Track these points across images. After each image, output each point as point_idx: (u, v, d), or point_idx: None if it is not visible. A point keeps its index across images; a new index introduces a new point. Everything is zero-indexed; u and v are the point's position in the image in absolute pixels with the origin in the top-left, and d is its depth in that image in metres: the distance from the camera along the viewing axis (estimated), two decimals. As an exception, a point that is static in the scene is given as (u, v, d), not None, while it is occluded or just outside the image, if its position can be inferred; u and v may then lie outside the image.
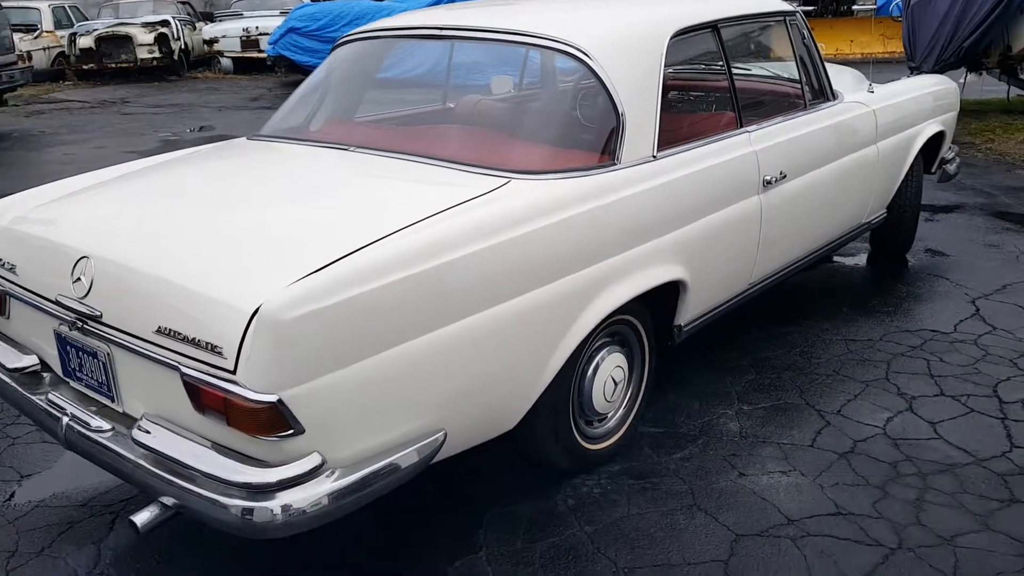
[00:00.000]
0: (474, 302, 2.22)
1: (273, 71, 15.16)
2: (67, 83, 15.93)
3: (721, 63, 3.27)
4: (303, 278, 1.94)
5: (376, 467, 2.06)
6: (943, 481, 2.72)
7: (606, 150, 2.72)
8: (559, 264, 2.43)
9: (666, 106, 3.04)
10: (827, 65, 4.95)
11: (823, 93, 3.78)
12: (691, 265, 2.91)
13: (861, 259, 4.92)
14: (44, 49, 16.16)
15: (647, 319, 2.91)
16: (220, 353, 1.93)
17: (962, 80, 9.08)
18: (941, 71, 8.52)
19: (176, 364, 2.02)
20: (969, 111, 9.23)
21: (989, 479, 2.72)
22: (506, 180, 2.50)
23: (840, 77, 4.41)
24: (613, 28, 2.92)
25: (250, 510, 1.94)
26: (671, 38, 2.96)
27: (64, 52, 16.23)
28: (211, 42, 16.69)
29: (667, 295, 2.93)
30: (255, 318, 1.88)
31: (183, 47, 16.46)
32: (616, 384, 2.82)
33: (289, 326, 1.88)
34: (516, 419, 2.46)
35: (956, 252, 4.91)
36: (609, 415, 2.89)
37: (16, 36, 15.34)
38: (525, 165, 2.61)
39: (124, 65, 15.75)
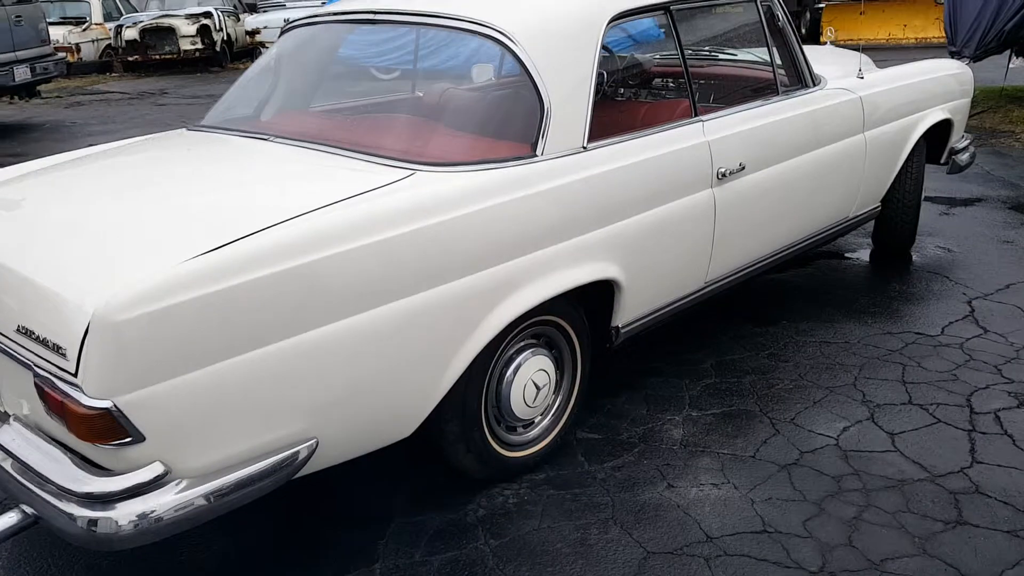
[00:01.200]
0: (352, 302, 2.10)
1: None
2: (113, 75, 16.24)
3: (674, 48, 3.08)
4: (148, 276, 1.84)
5: (232, 478, 1.96)
6: (888, 498, 2.52)
7: (527, 141, 2.57)
8: (460, 262, 2.29)
9: (607, 94, 2.88)
10: (833, 50, 4.76)
11: (800, 79, 3.56)
12: (627, 263, 2.75)
13: (863, 255, 4.66)
14: (93, 41, 16.51)
15: (579, 320, 2.76)
16: (64, 355, 1.85)
17: (1011, 65, 8.64)
18: (983, 56, 8.12)
19: (31, 364, 1.95)
20: (1015, 97, 8.79)
21: (939, 497, 2.51)
22: (411, 172, 2.38)
23: (840, 61, 4.18)
24: (542, 11, 2.75)
25: (95, 521, 1.86)
26: (610, 22, 2.80)
27: (111, 44, 16.53)
28: (253, 33, 16.86)
29: (603, 295, 2.77)
30: (92, 319, 1.79)
31: (225, 38, 16.62)
32: (539, 389, 2.67)
33: (124, 328, 1.78)
34: (412, 427, 2.34)
35: (964, 248, 4.62)
36: (535, 421, 2.75)
37: (65, 28, 15.78)
38: (436, 156, 2.48)
39: (168, 56, 15.98)
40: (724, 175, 3.04)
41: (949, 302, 3.91)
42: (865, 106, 3.77)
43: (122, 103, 12.40)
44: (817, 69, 3.68)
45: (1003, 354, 3.36)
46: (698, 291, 3.17)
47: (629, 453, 2.81)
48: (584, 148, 2.66)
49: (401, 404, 2.28)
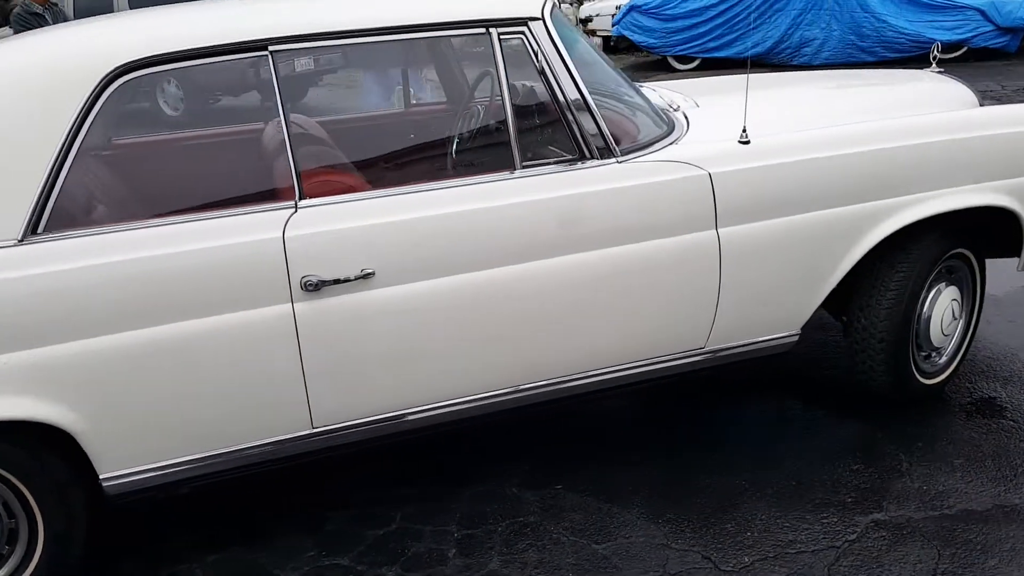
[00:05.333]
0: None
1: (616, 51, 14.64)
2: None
3: (272, 104, 2.22)
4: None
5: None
6: None
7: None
8: None
9: (128, 166, 2.17)
10: (921, 78, 3.24)
11: (576, 146, 2.39)
12: (87, 401, 2.06)
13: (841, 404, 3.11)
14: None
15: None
16: None
17: None
18: None
19: None
20: None
21: None
22: None
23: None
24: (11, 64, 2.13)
25: None
26: (113, 76, 2.08)
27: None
28: (586, 21, 16.66)
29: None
30: None
31: (557, 26, 16.66)
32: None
33: None
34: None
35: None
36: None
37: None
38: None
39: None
40: (315, 286, 2.15)
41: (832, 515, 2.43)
42: (721, 188, 2.44)
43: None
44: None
45: None
46: (304, 437, 2.30)
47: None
48: (20, 241, 2.02)
49: None
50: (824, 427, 2.86)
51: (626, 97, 2.74)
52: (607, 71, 2.79)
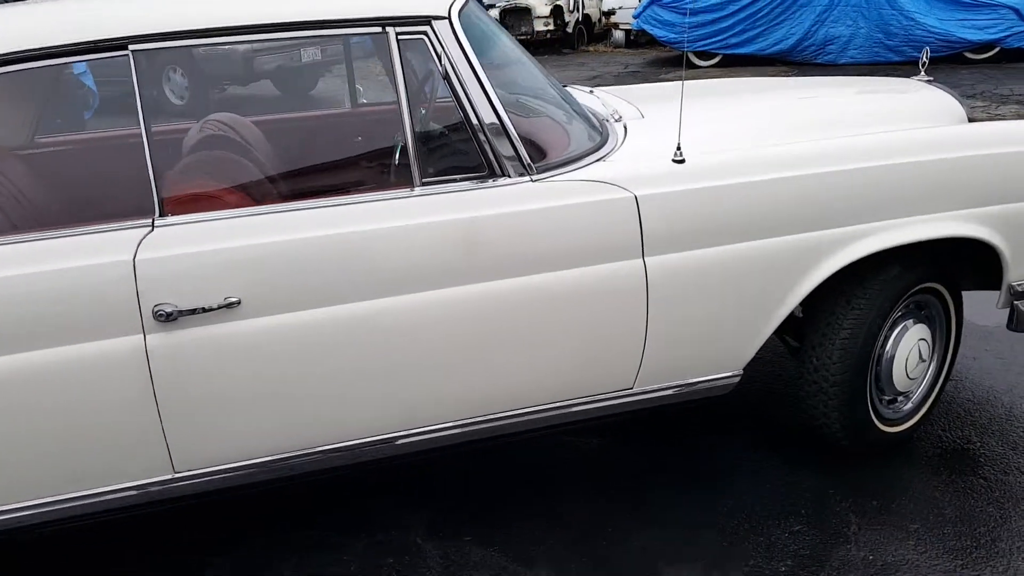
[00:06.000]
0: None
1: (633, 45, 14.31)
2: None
3: (133, 114, 1.98)
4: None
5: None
6: None
7: None
8: None
9: None
10: (906, 89, 2.95)
11: (486, 162, 2.13)
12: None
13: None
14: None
15: None
16: None
17: None
18: None
19: None
20: None
21: None
22: None
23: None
24: None
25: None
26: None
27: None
28: (608, 14, 16.31)
29: None
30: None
31: (579, 19, 16.33)
32: None
33: None
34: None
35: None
36: None
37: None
38: None
39: (521, 38, 16.16)
40: (170, 316, 1.91)
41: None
42: (648, 213, 2.16)
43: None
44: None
45: None
46: (170, 482, 2.07)
47: None
48: None
49: None
50: (773, 477, 2.57)
51: (556, 107, 2.47)
52: (538, 77, 2.53)
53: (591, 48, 16.52)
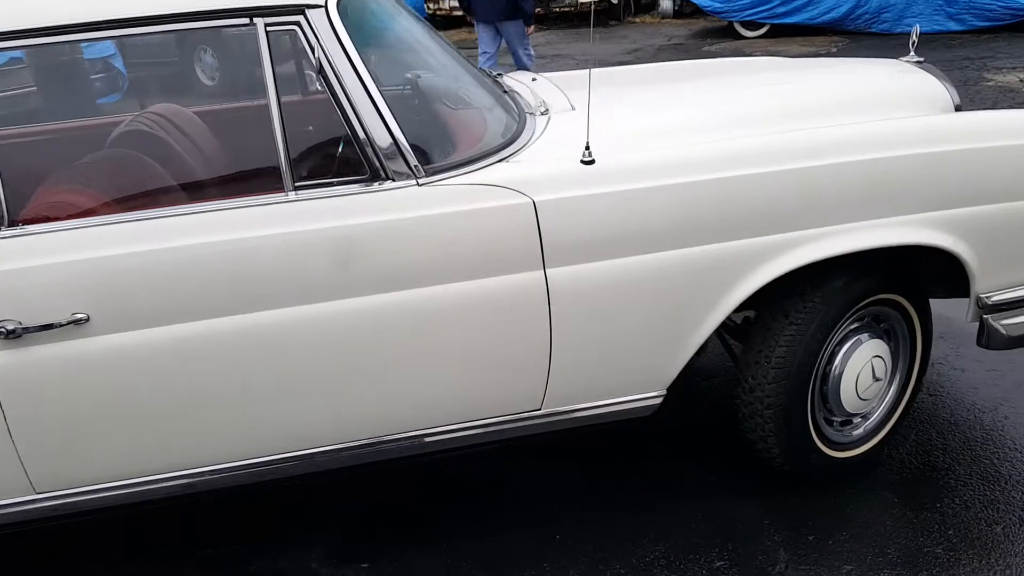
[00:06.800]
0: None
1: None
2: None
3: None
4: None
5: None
6: None
7: None
8: None
9: None
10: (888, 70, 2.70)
11: (368, 161, 1.94)
12: None
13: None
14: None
15: None
16: None
17: None
18: None
19: None
20: None
21: None
22: None
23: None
24: None
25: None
26: None
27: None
28: (658, -17, 15.83)
29: None
30: None
31: (626, -11, 15.88)
32: None
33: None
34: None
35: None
36: None
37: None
38: None
39: (565, 9, 15.80)
40: (14, 332, 1.79)
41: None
42: (548, 220, 1.96)
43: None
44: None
45: None
46: (31, 502, 1.96)
47: None
48: None
49: None
50: (707, 501, 2.36)
51: (466, 100, 2.27)
52: (451, 66, 2.32)
53: (638, 19, 16.05)
